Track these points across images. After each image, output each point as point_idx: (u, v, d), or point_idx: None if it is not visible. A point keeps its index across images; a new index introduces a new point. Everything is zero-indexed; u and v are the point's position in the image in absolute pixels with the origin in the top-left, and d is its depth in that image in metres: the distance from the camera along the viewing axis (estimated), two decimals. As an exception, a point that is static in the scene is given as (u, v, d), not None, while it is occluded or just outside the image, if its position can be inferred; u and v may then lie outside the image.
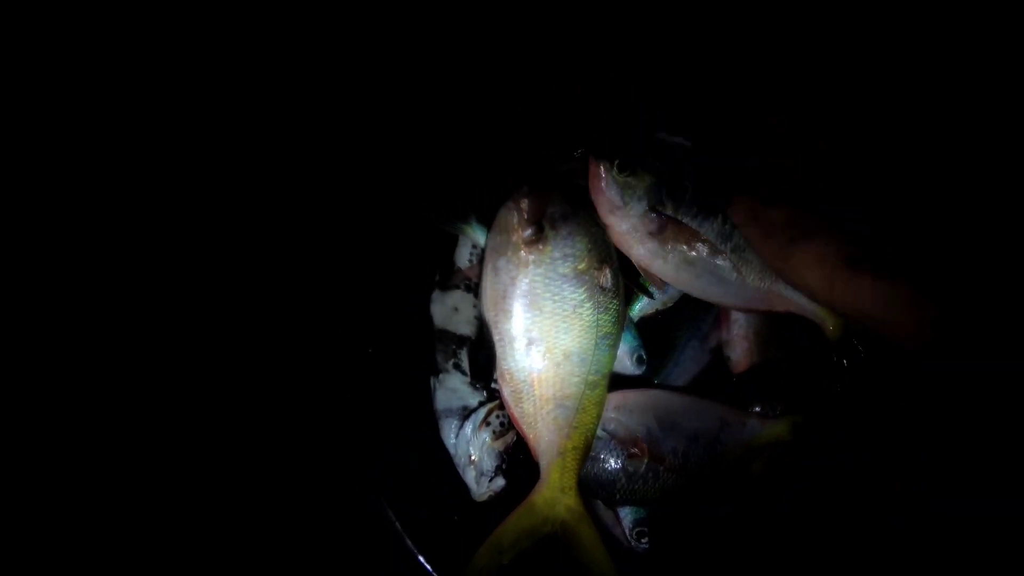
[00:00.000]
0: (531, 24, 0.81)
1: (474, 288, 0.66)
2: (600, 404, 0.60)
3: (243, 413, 0.75)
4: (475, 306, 0.66)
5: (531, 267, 0.59)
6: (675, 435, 0.64)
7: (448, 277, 0.67)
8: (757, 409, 0.66)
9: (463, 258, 0.67)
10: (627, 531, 0.65)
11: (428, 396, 0.65)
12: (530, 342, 0.59)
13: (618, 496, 0.64)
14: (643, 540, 0.65)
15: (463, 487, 0.62)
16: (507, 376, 0.60)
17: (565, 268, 0.59)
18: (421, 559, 0.56)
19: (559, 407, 0.58)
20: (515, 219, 0.61)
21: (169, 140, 0.80)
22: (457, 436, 0.62)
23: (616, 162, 0.63)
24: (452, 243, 0.68)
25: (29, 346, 0.75)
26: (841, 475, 0.64)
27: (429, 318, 0.66)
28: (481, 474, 0.61)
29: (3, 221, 0.76)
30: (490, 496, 0.61)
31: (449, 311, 0.65)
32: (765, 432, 0.65)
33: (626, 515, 0.66)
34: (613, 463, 0.63)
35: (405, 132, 0.78)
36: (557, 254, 0.60)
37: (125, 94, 0.80)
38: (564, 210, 0.62)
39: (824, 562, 0.60)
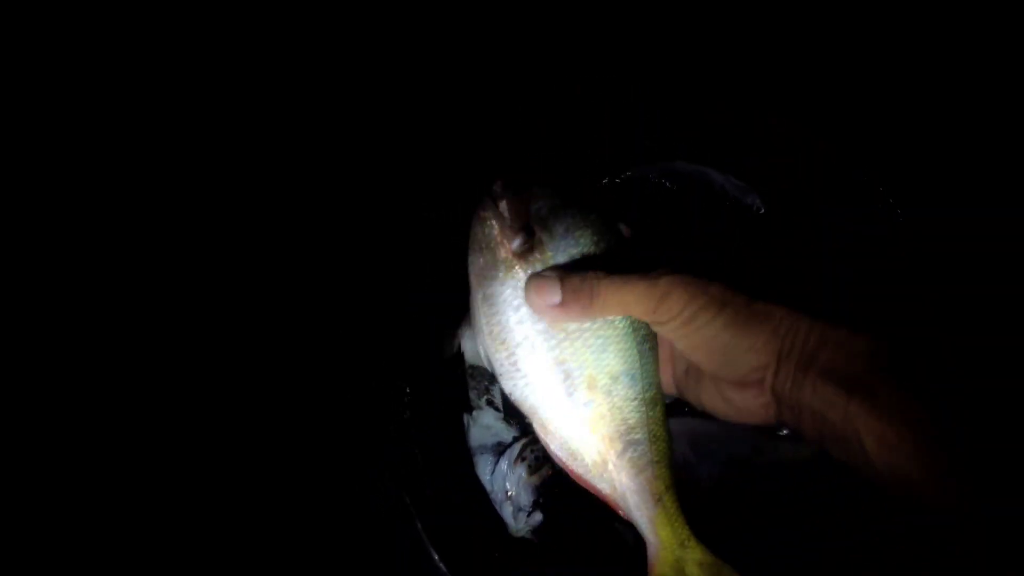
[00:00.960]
0: (531, 24, 0.82)
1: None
2: (666, 423, 0.50)
3: (265, 416, 0.75)
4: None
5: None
6: (709, 461, 0.64)
7: (477, 313, 0.67)
8: (786, 432, 0.67)
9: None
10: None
11: (463, 432, 0.66)
12: (566, 375, 0.48)
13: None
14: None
15: (502, 523, 0.63)
16: (549, 427, 0.50)
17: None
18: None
19: (630, 445, 0.48)
20: (495, 230, 0.50)
21: (170, 144, 0.81)
22: (492, 473, 0.63)
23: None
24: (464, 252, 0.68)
25: (28, 346, 0.75)
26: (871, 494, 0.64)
27: (460, 355, 0.67)
28: (518, 509, 0.62)
29: (3, 221, 0.77)
30: (528, 531, 0.62)
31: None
32: (797, 455, 0.65)
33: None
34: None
35: (406, 133, 0.79)
36: (561, 257, 0.49)
37: (124, 94, 0.81)
38: (553, 202, 0.50)
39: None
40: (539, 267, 0.48)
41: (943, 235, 0.62)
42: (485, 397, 0.65)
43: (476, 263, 0.51)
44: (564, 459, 0.50)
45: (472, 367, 0.66)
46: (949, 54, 0.76)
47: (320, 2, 0.85)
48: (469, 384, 0.66)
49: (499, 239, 0.50)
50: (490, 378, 0.65)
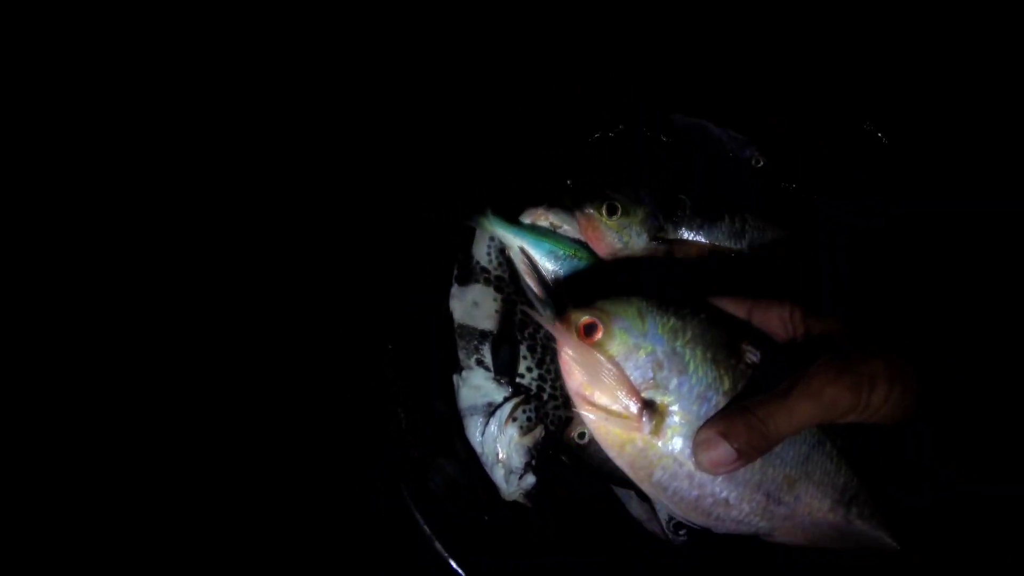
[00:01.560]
0: (531, 24, 0.81)
1: (494, 282, 0.64)
2: (870, 460, 0.49)
3: (262, 418, 0.76)
4: (495, 300, 0.64)
5: (686, 452, 0.46)
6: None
7: (467, 271, 0.65)
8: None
9: (481, 251, 0.65)
10: (663, 524, 0.63)
11: (452, 394, 0.63)
12: (767, 495, 0.47)
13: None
14: (681, 532, 0.62)
15: (492, 486, 0.61)
16: (777, 534, 0.49)
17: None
18: (452, 563, 0.55)
19: (852, 502, 0.48)
20: (618, 427, 0.46)
21: (171, 143, 0.81)
22: (483, 434, 0.60)
23: (604, 207, 0.61)
24: (469, 237, 0.66)
25: (29, 346, 0.75)
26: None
27: (447, 315, 0.65)
28: (510, 472, 0.59)
29: (3, 221, 0.77)
30: (521, 494, 0.59)
31: (469, 306, 0.64)
32: None
33: (662, 507, 0.64)
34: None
35: (406, 133, 0.78)
36: (695, 405, 0.45)
37: (126, 94, 0.81)
38: (644, 352, 0.46)
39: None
40: (685, 427, 0.45)
41: (940, 228, 0.60)
42: (475, 356, 0.62)
43: (623, 461, 0.48)
44: (806, 544, 0.49)
45: (461, 326, 0.63)
46: (949, 51, 0.75)
47: (320, 2, 0.85)
48: (458, 344, 0.63)
49: (629, 433, 0.46)
50: (480, 337, 0.63)
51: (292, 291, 0.79)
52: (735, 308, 0.51)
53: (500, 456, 0.60)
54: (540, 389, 0.61)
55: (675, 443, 0.46)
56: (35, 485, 0.73)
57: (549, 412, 0.61)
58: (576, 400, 0.47)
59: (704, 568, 0.62)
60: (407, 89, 0.82)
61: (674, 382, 0.46)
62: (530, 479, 0.59)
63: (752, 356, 0.47)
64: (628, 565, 0.61)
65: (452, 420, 0.62)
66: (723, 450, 0.43)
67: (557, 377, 0.62)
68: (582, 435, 0.61)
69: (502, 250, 0.65)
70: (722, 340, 0.47)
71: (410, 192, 0.69)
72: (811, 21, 0.75)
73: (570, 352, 0.47)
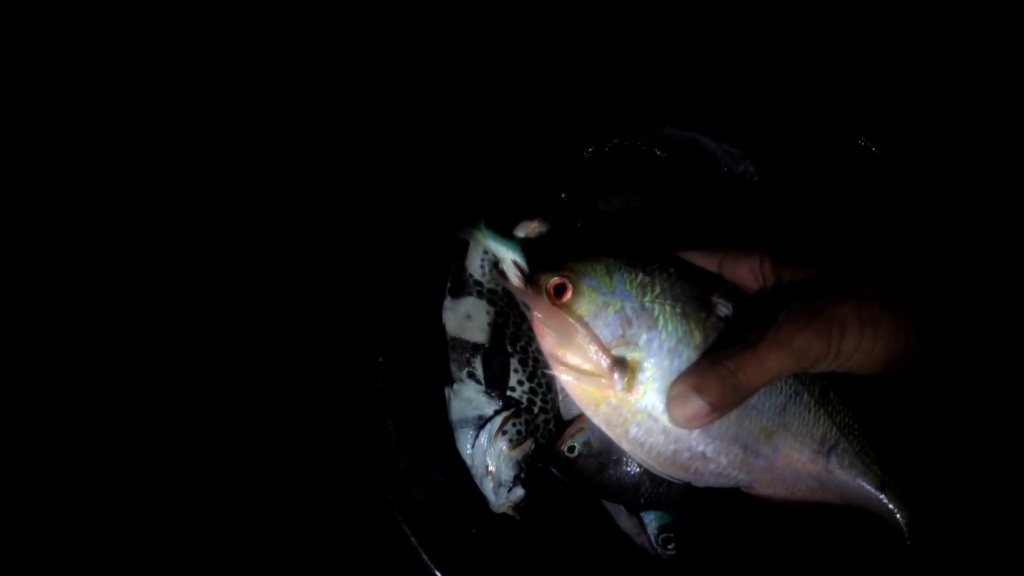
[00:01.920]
0: (531, 24, 0.81)
1: (487, 295, 0.64)
2: (849, 406, 0.48)
3: (257, 421, 0.76)
4: (488, 313, 0.64)
5: (660, 407, 0.46)
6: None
7: (460, 284, 0.65)
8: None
9: (475, 264, 0.65)
10: (652, 538, 0.63)
11: (443, 406, 0.63)
12: (745, 447, 0.47)
13: (642, 500, 0.63)
14: (670, 547, 0.63)
15: (481, 498, 0.61)
16: (757, 487, 0.49)
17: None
18: (439, 575, 0.55)
19: (831, 453, 0.48)
20: (590, 385, 0.46)
21: (170, 142, 0.81)
22: (473, 446, 0.61)
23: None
24: (462, 249, 0.67)
25: (29, 346, 0.76)
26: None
27: (441, 327, 0.65)
28: (499, 484, 0.60)
29: (3, 221, 0.77)
30: (510, 507, 0.60)
31: (462, 318, 0.64)
32: None
33: (651, 521, 0.64)
34: (637, 465, 0.61)
35: (406, 133, 0.78)
36: (666, 359, 0.46)
37: (125, 95, 0.81)
38: (612, 312, 0.47)
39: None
40: (657, 383, 0.45)
41: (939, 233, 0.60)
42: (467, 369, 0.63)
43: (599, 419, 0.48)
44: (787, 498, 0.49)
45: (453, 339, 0.64)
46: (949, 51, 0.74)
47: (320, 2, 0.85)
48: (450, 356, 0.63)
49: (603, 391, 0.46)
50: (472, 350, 0.63)
51: (289, 293, 0.79)
52: (705, 261, 0.51)
53: (490, 468, 0.60)
54: (531, 403, 0.62)
55: (648, 399, 0.46)
56: (32, 486, 0.73)
57: (539, 425, 0.62)
58: (550, 362, 0.48)
59: (692, 582, 0.62)
60: (407, 90, 0.82)
61: (643, 338, 0.46)
62: (519, 492, 0.60)
63: (723, 308, 0.47)
64: (616, 579, 0.62)
65: (443, 432, 0.63)
66: (696, 404, 0.43)
67: (548, 391, 0.62)
68: (571, 448, 0.61)
69: (495, 263, 0.65)
70: (692, 293, 0.47)
71: (410, 193, 0.69)
72: (813, 25, 0.75)
73: (540, 315, 0.47)
